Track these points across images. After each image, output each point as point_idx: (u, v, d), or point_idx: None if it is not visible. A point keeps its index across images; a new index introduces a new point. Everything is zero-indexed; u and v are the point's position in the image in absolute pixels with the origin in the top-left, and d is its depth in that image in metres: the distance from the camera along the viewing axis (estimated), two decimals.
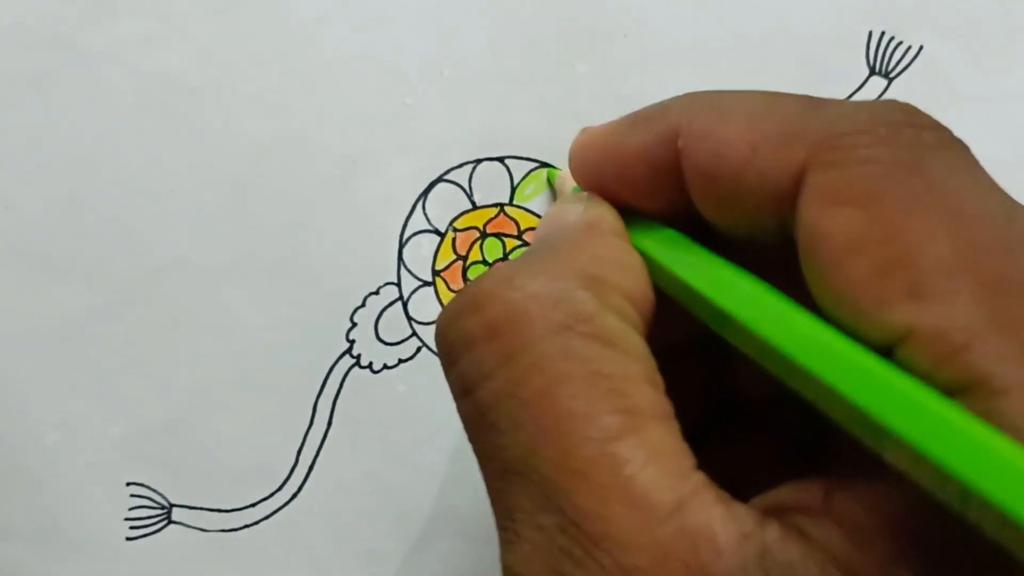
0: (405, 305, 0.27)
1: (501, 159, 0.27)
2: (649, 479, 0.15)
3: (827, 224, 0.15)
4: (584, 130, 0.21)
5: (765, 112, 0.17)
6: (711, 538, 0.14)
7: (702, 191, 0.18)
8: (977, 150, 0.16)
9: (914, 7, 0.27)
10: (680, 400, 0.17)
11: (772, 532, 0.15)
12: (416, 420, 0.27)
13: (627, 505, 0.15)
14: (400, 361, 0.28)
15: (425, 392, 0.27)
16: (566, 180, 0.26)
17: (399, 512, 0.28)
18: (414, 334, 0.28)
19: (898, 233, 0.15)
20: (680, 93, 0.19)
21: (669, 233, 0.19)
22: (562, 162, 0.27)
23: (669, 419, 0.16)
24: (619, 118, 0.20)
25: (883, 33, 0.27)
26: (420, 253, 0.27)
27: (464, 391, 0.17)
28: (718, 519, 0.15)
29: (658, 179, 0.18)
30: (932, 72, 0.27)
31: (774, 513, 0.15)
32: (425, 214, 0.27)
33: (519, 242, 0.28)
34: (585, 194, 0.20)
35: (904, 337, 0.14)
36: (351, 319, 0.27)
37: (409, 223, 0.27)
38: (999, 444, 0.12)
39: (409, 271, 0.27)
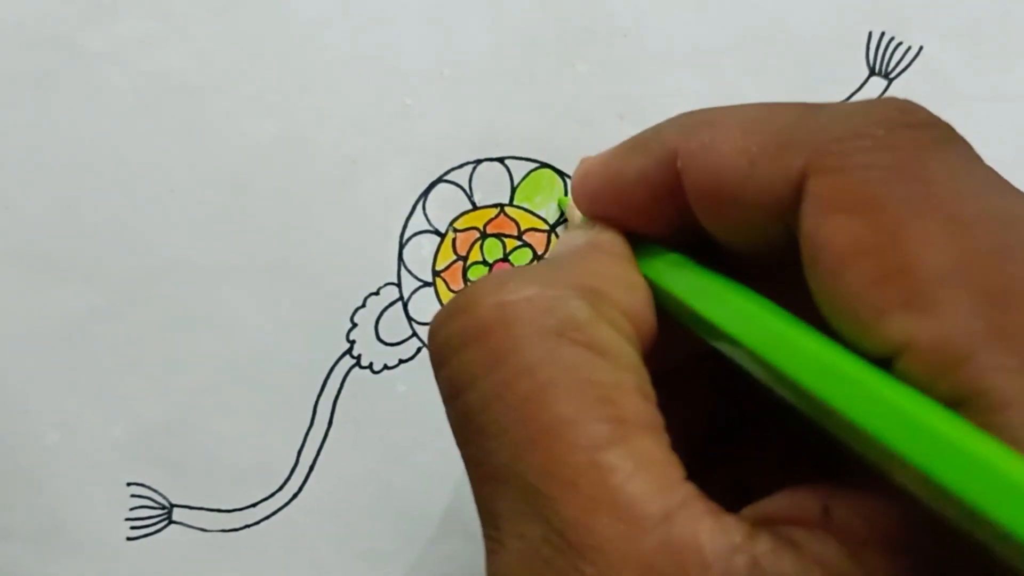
0: (405, 305, 0.27)
1: (501, 159, 0.27)
2: (637, 489, 0.14)
3: (826, 232, 0.15)
4: (583, 160, 0.20)
5: (760, 123, 0.17)
6: (698, 550, 0.14)
7: (704, 208, 0.17)
8: (977, 150, 0.16)
9: (914, 7, 0.27)
10: (688, 416, 0.16)
11: (763, 544, 0.14)
12: (416, 420, 0.27)
13: (613, 515, 0.14)
14: (400, 361, 0.28)
15: (425, 392, 0.27)
16: (576, 208, 0.26)
17: (399, 512, 0.28)
18: (414, 334, 0.28)
19: (896, 241, 0.14)
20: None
21: (675, 257, 0.18)
22: (562, 162, 0.27)
23: (659, 430, 0.16)
24: (616, 146, 0.20)
25: (883, 33, 0.27)
26: (420, 253, 0.27)
27: (452, 393, 0.17)
28: (706, 531, 0.14)
29: (660, 202, 0.18)
30: (932, 72, 0.27)
31: (766, 524, 0.15)
32: (425, 214, 0.27)
33: (519, 242, 0.28)
34: (595, 223, 0.20)
35: (903, 348, 0.14)
36: (351, 319, 0.27)
37: (409, 223, 0.27)
38: (1001, 459, 0.12)
39: (409, 271, 0.27)
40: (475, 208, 0.27)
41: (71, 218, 0.27)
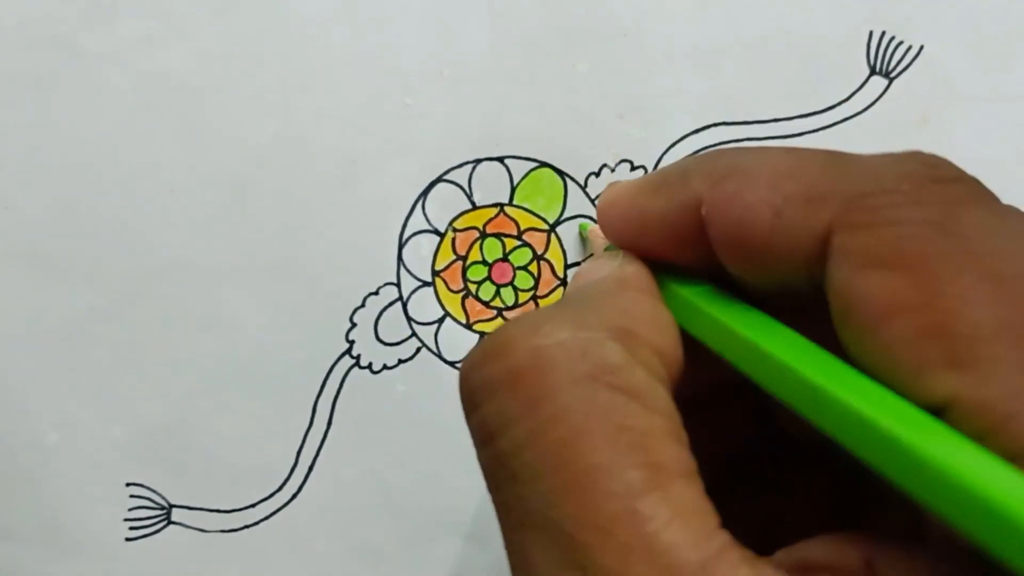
0: (405, 305, 0.27)
1: (501, 159, 0.27)
2: (673, 537, 0.14)
3: (860, 288, 0.15)
4: (610, 186, 0.20)
5: (787, 173, 0.17)
6: None
7: (729, 256, 0.17)
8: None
9: (914, 7, 0.27)
10: (708, 449, 0.16)
11: None
12: (416, 420, 0.27)
13: (650, 564, 0.14)
14: (400, 361, 0.28)
15: (425, 392, 0.27)
16: (598, 234, 0.25)
17: (399, 512, 0.28)
18: (414, 334, 0.27)
19: (935, 297, 0.14)
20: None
21: (705, 287, 0.18)
22: (562, 162, 0.27)
23: (693, 476, 0.16)
24: (642, 179, 0.20)
25: (883, 33, 0.27)
26: (420, 253, 0.27)
27: (485, 439, 0.16)
28: None
29: (683, 243, 0.18)
30: (932, 72, 0.27)
31: (804, 572, 0.15)
32: (425, 214, 0.27)
33: (519, 242, 0.28)
34: (619, 252, 0.20)
35: (946, 406, 0.14)
36: (351, 319, 0.27)
37: (409, 223, 0.27)
38: None
39: (409, 271, 0.27)
40: (475, 208, 0.27)
41: (71, 218, 0.27)
